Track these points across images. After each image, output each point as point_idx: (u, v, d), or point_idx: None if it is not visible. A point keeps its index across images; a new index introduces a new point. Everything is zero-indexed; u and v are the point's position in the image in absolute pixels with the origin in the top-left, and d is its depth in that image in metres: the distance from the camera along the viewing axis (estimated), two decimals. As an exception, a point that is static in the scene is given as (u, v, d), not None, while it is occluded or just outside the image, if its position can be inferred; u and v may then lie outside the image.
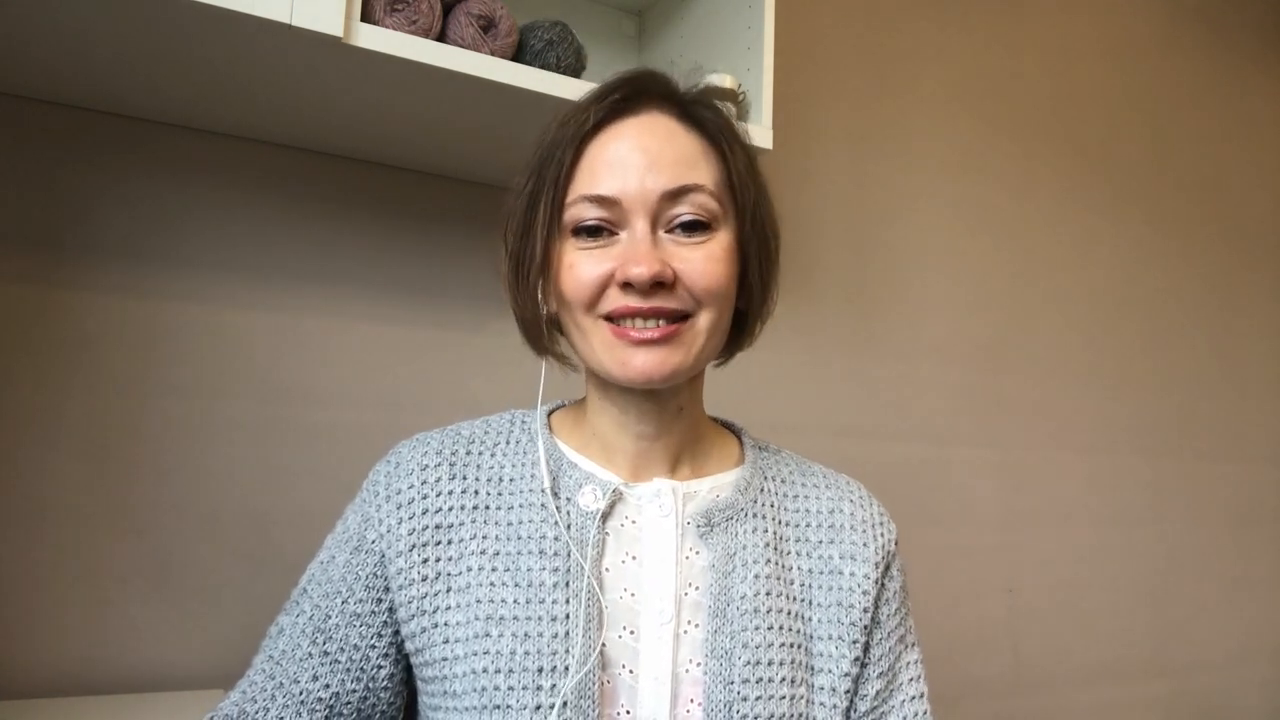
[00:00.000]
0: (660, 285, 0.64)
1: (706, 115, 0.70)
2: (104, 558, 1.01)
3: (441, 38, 0.97)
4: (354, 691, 0.68)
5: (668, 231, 0.66)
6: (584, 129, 0.67)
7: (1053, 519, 1.84)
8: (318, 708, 0.67)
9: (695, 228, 0.66)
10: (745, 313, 0.73)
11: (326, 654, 0.68)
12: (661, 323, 0.66)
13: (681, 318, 0.66)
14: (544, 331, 0.71)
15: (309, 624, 0.69)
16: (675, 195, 0.65)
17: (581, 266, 0.66)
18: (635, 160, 0.65)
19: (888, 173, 1.67)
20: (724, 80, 1.15)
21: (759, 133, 1.15)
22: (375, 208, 1.20)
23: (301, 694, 0.67)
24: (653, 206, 0.65)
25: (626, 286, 0.64)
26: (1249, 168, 2.27)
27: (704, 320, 0.67)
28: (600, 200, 0.65)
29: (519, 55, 1.04)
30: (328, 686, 0.67)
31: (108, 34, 0.86)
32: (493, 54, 0.99)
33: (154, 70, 0.94)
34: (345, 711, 0.68)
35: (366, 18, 0.90)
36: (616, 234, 0.66)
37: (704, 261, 0.66)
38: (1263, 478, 2.21)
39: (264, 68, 0.92)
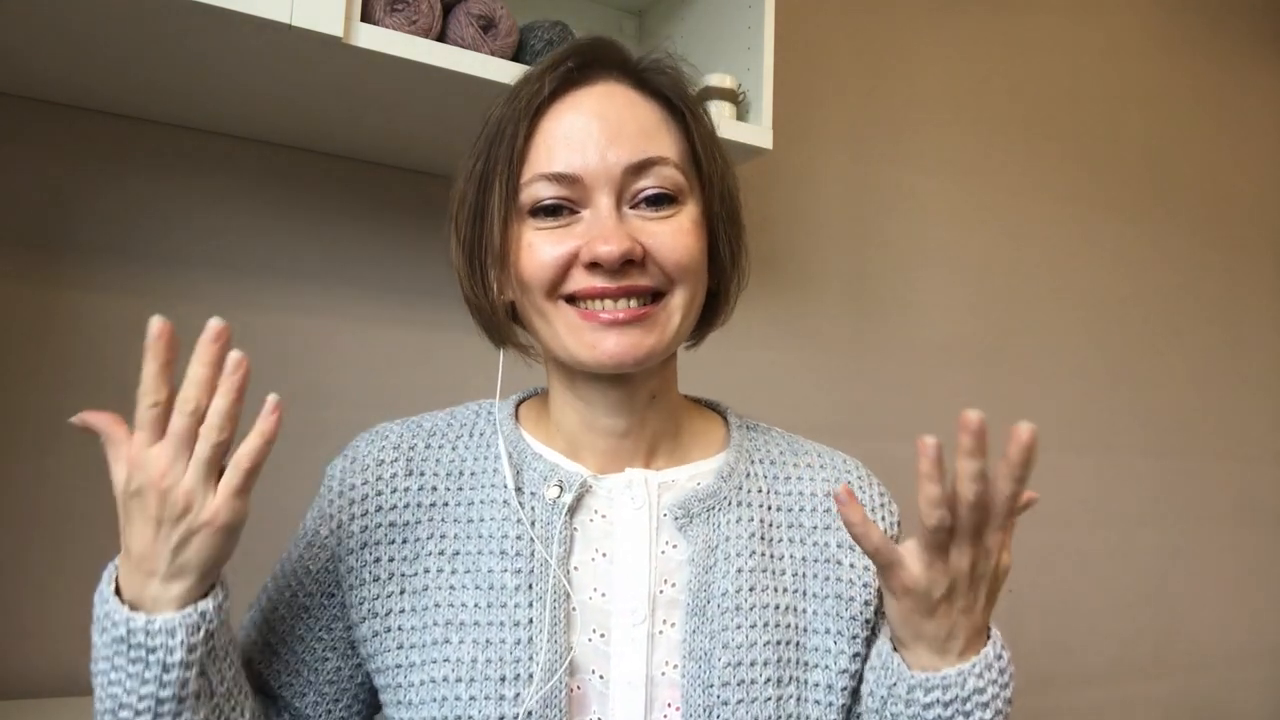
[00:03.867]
0: (630, 263, 0.60)
1: (665, 82, 0.66)
2: (104, 558, 1.01)
3: (441, 38, 0.97)
4: (289, 685, 0.67)
5: (632, 207, 0.62)
6: (536, 101, 0.62)
7: (1053, 519, 1.84)
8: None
9: (661, 201, 0.62)
10: (716, 292, 0.69)
11: (268, 644, 0.67)
12: (633, 303, 0.62)
13: (653, 297, 0.62)
14: (501, 321, 0.67)
15: (259, 615, 0.68)
16: (639, 169, 0.61)
17: (541, 247, 0.61)
18: (594, 133, 0.61)
19: (888, 173, 1.67)
20: (724, 80, 1.15)
21: (759, 133, 1.15)
22: (375, 208, 1.20)
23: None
24: (616, 181, 0.61)
25: (593, 266, 0.60)
26: (1249, 167, 2.27)
27: (678, 298, 0.63)
28: (559, 178, 0.61)
29: (519, 55, 1.04)
30: (260, 674, 0.67)
31: (108, 34, 0.86)
32: (493, 54, 0.99)
33: (154, 70, 0.94)
34: (279, 704, 0.68)
35: (366, 18, 0.90)
36: (578, 212, 0.62)
37: (674, 235, 0.62)
38: (1264, 477, 2.21)
39: (264, 68, 0.92)
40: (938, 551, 0.54)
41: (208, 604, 0.55)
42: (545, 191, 0.62)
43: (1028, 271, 1.85)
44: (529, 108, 0.62)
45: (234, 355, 0.54)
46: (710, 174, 0.66)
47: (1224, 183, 2.21)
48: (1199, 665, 2.04)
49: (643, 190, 0.62)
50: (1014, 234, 1.84)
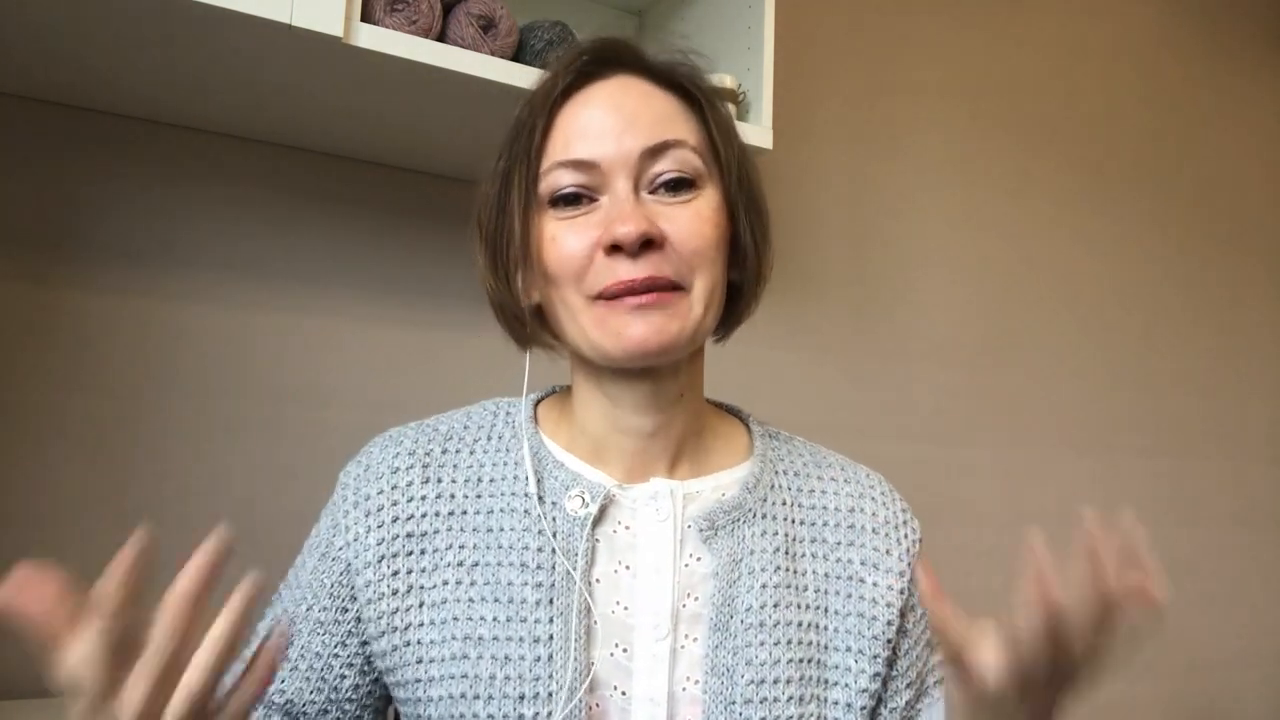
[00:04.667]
0: (649, 245, 0.59)
1: (680, 73, 0.66)
2: (104, 558, 1.01)
3: (441, 38, 0.97)
4: (312, 702, 0.65)
5: (651, 192, 0.62)
6: (553, 95, 0.63)
7: (1053, 519, 1.84)
8: (272, 710, 0.65)
9: (679, 186, 0.62)
10: (739, 283, 0.68)
11: (286, 659, 0.65)
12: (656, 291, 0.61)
13: (674, 288, 0.61)
14: (526, 321, 0.66)
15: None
16: (656, 152, 0.61)
17: (565, 238, 0.61)
18: (611, 122, 0.61)
19: (887, 173, 1.67)
20: (724, 80, 1.15)
21: (759, 133, 1.15)
22: (375, 208, 1.20)
23: None
24: (633, 166, 0.61)
25: (614, 250, 0.59)
26: (1249, 166, 2.27)
27: (698, 288, 0.61)
28: (577, 165, 0.61)
29: (519, 55, 1.04)
30: (282, 692, 0.65)
31: (108, 34, 0.86)
32: (493, 54, 0.99)
33: (154, 70, 0.94)
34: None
35: (366, 18, 0.90)
36: (597, 199, 0.62)
37: (692, 221, 0.61)
38: (1263, 477, 2.21)
39: (264, 68, 0.92)
40: (1020, 661, 0.48)
41: None
42: (563, 179, 0.62)
43: (1028, 272, 1.85)
44: (545, 102, 0.63)
45: (229, 619, 0.46)
46: (728, 160, 0.65)
47: (1224, 183, 2.21)
48: (1199, 665, 2.04)
49: (660, 174, 0.62)
50: (1014, 234, 1.83)
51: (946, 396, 1.70)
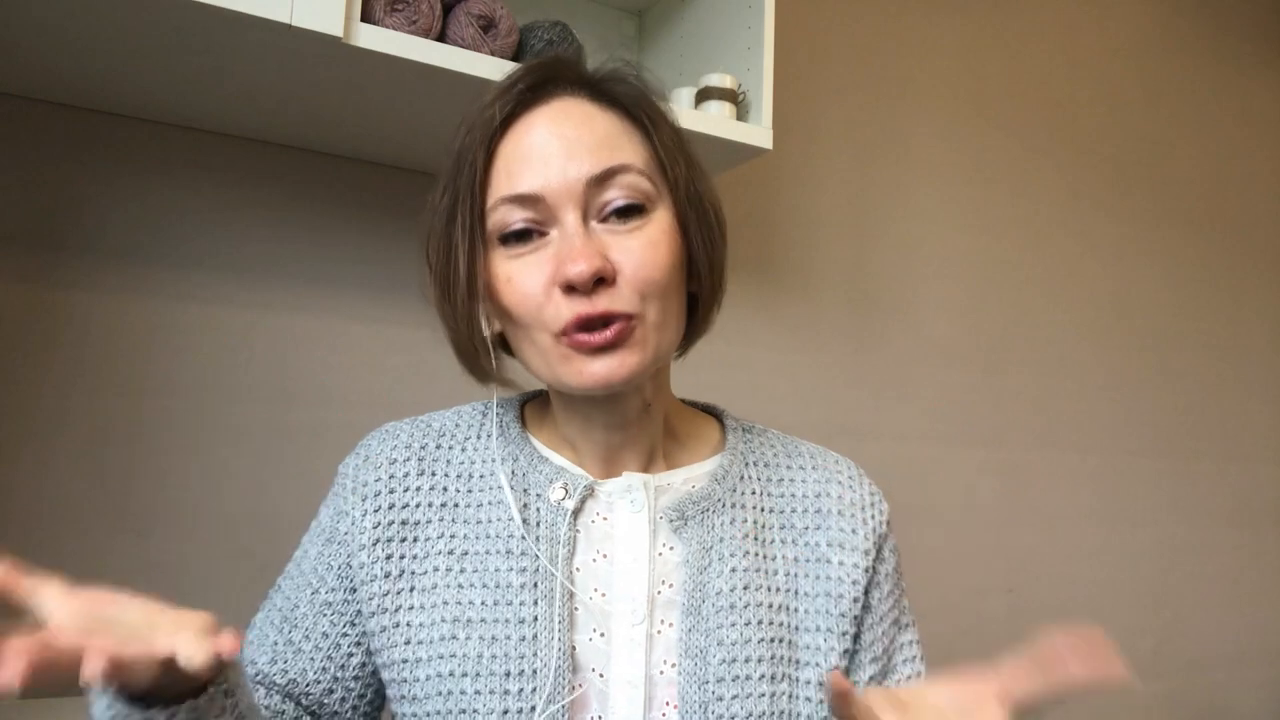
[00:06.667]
0: (602, 281, 0.59)
1: (621, 90, 0.65)
2: (104, 558, 1.01)
3: (441, 38, 0.98)
4: (317, 682, 0.67)
5: (601, 221, 0.61)
6: (492, 126, 0.62)
7: (1053, 519, 1.84)
8: (273, 691, 0.67)
9: (629, 212, 0.61)
10: (697, 295, 0.68)
11: (291, 641, 0.67)
12: (614, 325, 0.61)
13: (630, 318, 0.61)
14: (488, 354, 0.66)
15: (277, 614, 0.69)
16: (602, 180, 0.60)
17: (520, 278, 0.61)
18: (553, 149, 0.60)
19: (888, 173, 1.67)
20: (724, 80, 1.15)
21: (759, 133, 1.15)
22: (375, 208, 1.20)
23: (257, 674, 0.67)
24: (580, 196, 0.60)
25: (569, 289, 0.59)
26: (1250, 167, 2.27)
27: (653, 315, 0.61)
28: (522, 200, 0.60)
29: (519, 55, 1.04)
30: (285, 672, 0.67)
31: (108, 34, 0.86)
32: (493, 54, 0.99)
33: (154, 70, 0.95)
34: (304, 701, 0.67)
35: (366, 18, 0.90)
36: (546, 233, 0.61)
37: (644, 250, 0.60)
38: (1263, 477, 2.21)
39: (264, 68, 0.92)
40: None
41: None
42: (511, 216, 0.61)
43: (1027, 272, 1.85)
44: (485, 133, 0.62)
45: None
46: (675, 178, 0.64)
47: (1224, 183, 2.21)
48: (1199, 665, 2.04)
49: (609, 203, 0.61)
50: (1014, 234, 1.83)
51: (946, 396, 1.70)
